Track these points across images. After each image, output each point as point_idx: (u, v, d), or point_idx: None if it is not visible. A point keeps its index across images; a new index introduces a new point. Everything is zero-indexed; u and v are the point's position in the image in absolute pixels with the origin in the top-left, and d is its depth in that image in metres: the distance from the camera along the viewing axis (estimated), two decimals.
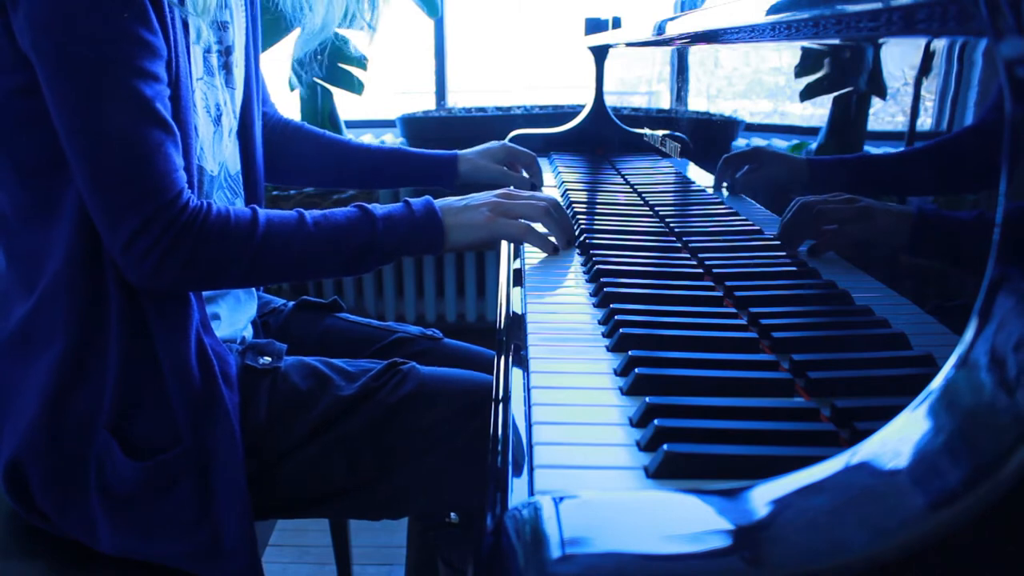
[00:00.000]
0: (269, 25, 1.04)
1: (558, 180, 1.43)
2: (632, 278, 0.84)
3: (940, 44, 0.53)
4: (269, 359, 0.90)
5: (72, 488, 0.83)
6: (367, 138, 2.13)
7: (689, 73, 1.36)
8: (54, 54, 0.74)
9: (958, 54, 0.50)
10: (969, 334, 0.36)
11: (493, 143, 1.33)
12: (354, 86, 2.30)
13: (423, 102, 2.63)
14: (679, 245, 0.97)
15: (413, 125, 2.36)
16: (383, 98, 2.57)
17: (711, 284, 0.82)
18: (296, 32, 1.13)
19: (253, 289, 1.06)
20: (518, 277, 0.88)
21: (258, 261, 0.84)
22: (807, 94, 0.81)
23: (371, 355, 1.05)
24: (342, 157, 1.25)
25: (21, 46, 0.76)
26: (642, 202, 1.23)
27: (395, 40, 2.43)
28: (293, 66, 1.28)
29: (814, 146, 0.77)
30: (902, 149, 0.59)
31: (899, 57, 0.61)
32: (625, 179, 1.43)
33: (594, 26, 1.80)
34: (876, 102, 0.65)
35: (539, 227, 0.97)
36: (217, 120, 0.93)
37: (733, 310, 0.75)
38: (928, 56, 0.54)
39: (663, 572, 0.34)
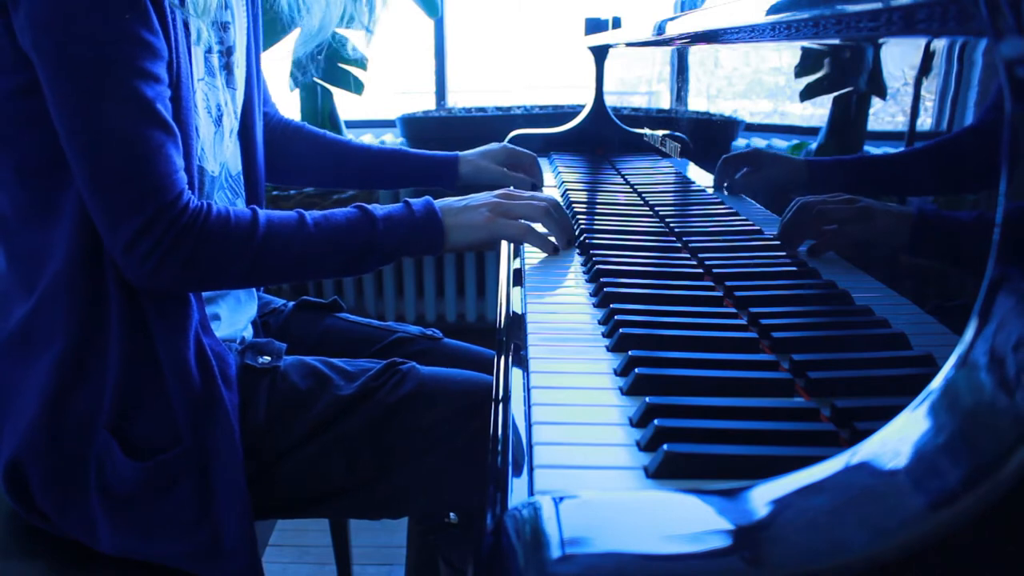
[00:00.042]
0: (268, 25, 1.04)
1: (558, 180, 1.43)
2: (632, 278, 0.84)
3: (940, 44, 0.53)
4: (268, 358, 0.90)
5: (72, 488, 0.83)
6: (367, 138, 2.13)
7: (689, 73, 1.36)
8: (55, 54, 0.74)
9: (958, 54, 0.50)
10: (969, 334, 0.36)
11: (494, 144, 1.33)
12: (354, 86, 2.30)
13: (423, 102, 2.63)
14: (679, 245, 0.97)
15: (413, 125, 2.36)
16: (383, 98, 2.57)
17: (711, 284, 0.82)
18: (296, 32, 1.13)
19: (253, 289, 1.06)
20: (518, 277, 0.88)
21: (258, 262, 0.84)
22: (807, 94, 0.81)
23: (371, 355, 1.05)
24: (342, 157, 1.25)
25: (22, 46, 0.76)
26: (642, 202, 1.23)
27: (395, 40, 2.43)
28: (292, 66, 1.28)
29: (814, 146, 0.77)
30: (902, 149, 0.59)
31: (899, 57, 0.61)
32: (625, 179, 1.43)
33: (594, 26, 1.80)
34: (876, 102, 0.65)
35: (539, 227, 0.97)
36: (218, 121, 0.93)
37: (733, 310, 0.75)
38: (928, 56, 0.54)
39: (663, 572, 0.34)
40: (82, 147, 0.76)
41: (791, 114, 0.85)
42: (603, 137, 1.76)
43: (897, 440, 0.36)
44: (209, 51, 0.91)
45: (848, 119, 0.70)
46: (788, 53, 0.86)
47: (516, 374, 0.63)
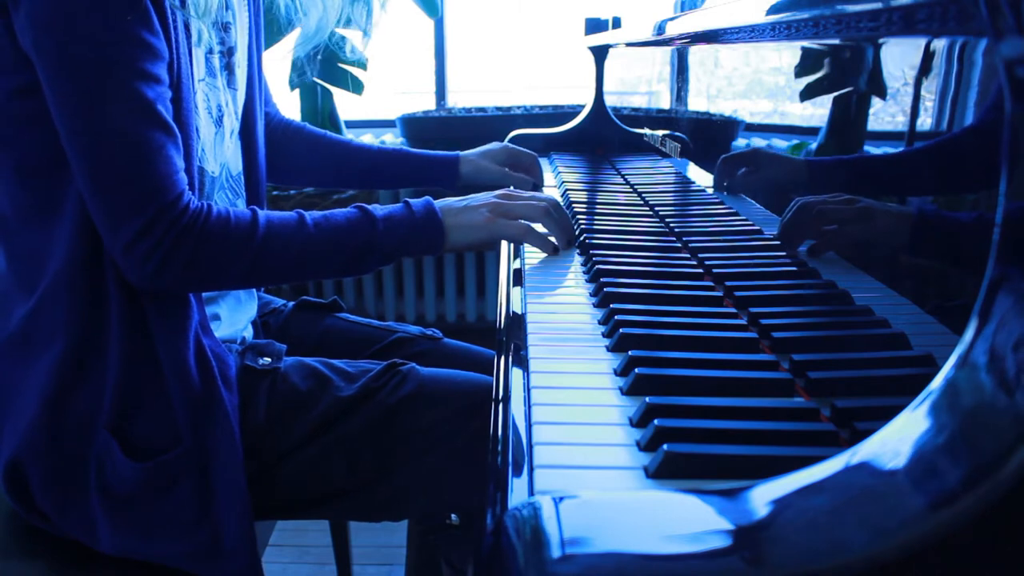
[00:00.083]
0: (267, 26, 1.04)
1: (558, 180, 1.43)
2: (632, 278, 0.84)
3: (940, 44, 0.53)
4: (269, 360, 0.90)
5: (72, 488, 0.83)
6: (367, 138, 2.13)
7: (689, 73, 1.36)
8: (55, 54, 0.74)
9: (958, 54, 0.50)
10: (969, 334, 0.36)
11: (494, 144, 1.33)
12: (354, 86, 2.30)
13: (423, 102, 2.63)
14: (679, 245, 0.97)
15: (413, 125, 2.36)
16: (383, 98, 2.57)
17: (711, 284, 0.82)
18: (296, 32, 1.13)
19: (253, 289, 1.06)
20: (518, 277, 0.88)
21: (258, 262, 0.84)
22: (807, 94, 0.81)
23: (371, 355, 1.05)
24: (343, 157, 1.25)
25: (22, 46, 0.76)
26: (642, 202, 1.23)
27: (395, 40, 2.43)
28: (291, 67, 1.28)
29: (814, 146, 0.77)
30: (902, 149, 0.59)
31: (899, 57, 0.61)
32: (625, 179, 1.43)
33: (594, 26, 1.80)
34: (876, 102, 0.65)
35: (539, 227, 0.97)
36: (219, 121, 0.93)
37: (733, 310, 0.75)
38: (928, 56, 0.54)
39: (663, 572, 0.34)
40: (83, 148, 0.76)
41: (791, 114, 0.85)
42: (603, 137, 1.76)
43: (897, 440, 0.36)
44: (210, 52, 0.91)
45: (848, 119, 0.70)
46: (788, 53, 0.86)
47: (516, 374, 0.63)
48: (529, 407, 0.57)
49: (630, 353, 0.63)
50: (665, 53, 1.47)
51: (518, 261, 0.95)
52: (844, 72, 0.71)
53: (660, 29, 1.24)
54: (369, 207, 0.90)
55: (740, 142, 1.06)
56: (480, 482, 0.56)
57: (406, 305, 2.46)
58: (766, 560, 0.34)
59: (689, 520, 0.37)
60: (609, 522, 0.37)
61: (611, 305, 0.74)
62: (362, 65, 2.27)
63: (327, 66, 2.23)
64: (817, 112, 0.78)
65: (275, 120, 1.22)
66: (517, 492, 0.46)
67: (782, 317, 0.70)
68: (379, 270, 2.23)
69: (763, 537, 0.35)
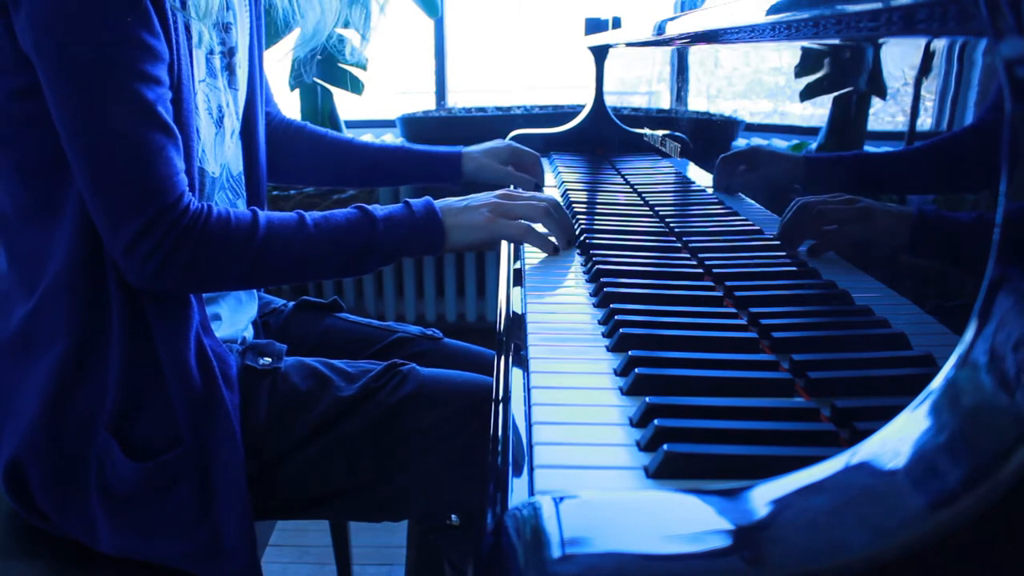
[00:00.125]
0: (266, 27, 1.04)
1: (558, 180, 1.43)
2: (632, 278, 0.84)
3: (940, 44, 0.53)
4: (269, 360, 0.90)
5: (72, 488, 0.83)
6: (367, 138, 2.13)
7: (689, 73, 1.36)
8: (56, 55, 0.74)
9: (958, 54, 0.50)
10: (969, 334, 0.36)
11: (498, 141, 1.33)
12: (353, 86, 2.30)
13: (423, 102, 2.63)
14: (679, 245, 0.97)
15: (413, 125, 2.36)
16: (383, 98, 2.57)
17: (711, 284, 0.82)
18: (296, 32, 1.13)
19: (254, 290, 1.06)
20: (518, 277, 0.88)
21: (259, 263, 0.84)
22: (807, 94, 0.81)
23: (371, 355, 1.05)
24: (345, 156, 1.25)
25: (23, 47, 0.76)
26: (642, 202, 1.23)
27: (395, 40, 2.43)
28: (290, 68, 1.28)
29: (814, 146, 0.77)
30: (902, 148, 0.59)
31: (899, 57, 0.61)
32: (625, 179, 1.43)
33: (594, 26, 1.80)
34: (876, 102, 0.65)
35: (539, 227, 0.97)
36: (219, 122, 0.93)
37: (733, 310, 0.75)
38: (928, 56, 0.54)
39: (663, 572, 0.34)
40: (83, 148, 0.76)
41: (791, 114, 0.85)
42: (603, 137, 1.76)
43: (897, 440, 0.36)
44: (211, 52, 0.91)
45: (848, 119, 0.70)
46: (788, 53, 0.86)
47: (516, 374, 0.63)
48: (529, 407, 0.57)
49: (630, 353, 0.63)
50: (665, 53, 1.47)
51: (518, 261, 0.95)
52: (844, 72, 0.71)
53: (660, 29, 1.24)
54: (369, 207, 0.90)
55: (740, 142, 1.06)
56: (480, 482, 0.56)
57: (406, 305, 2.46)
58: (766, 560, 0.34)
59: (689, 520, 0.37)
60: (609, 522, 0.37)
61: (611, 305, 0.74)
62: (362, 65, 2.27)
63: (327, 66, 2.24)
64: (817, 112, 0.78)
65: (276, 120, 1.22)
66: (517, 492, 0.46)
67: (782, 317, 0.70)
68: (379, 270, 2.24)
69: (763, 537, 0.35)
